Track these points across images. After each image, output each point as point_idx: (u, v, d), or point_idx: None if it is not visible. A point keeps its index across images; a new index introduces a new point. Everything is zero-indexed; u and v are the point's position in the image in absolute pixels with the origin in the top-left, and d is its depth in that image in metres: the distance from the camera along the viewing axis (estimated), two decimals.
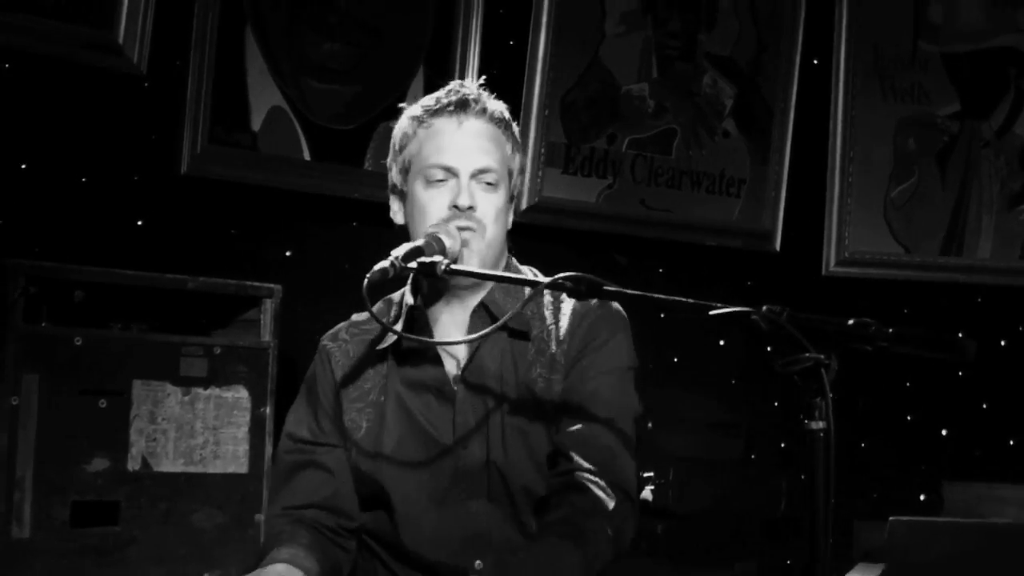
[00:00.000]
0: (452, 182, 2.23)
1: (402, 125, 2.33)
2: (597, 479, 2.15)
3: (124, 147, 3.64)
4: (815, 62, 4.74)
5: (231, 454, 3.25)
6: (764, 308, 1.69)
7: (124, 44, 3.55)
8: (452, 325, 2.30)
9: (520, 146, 2.38)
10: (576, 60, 4.37)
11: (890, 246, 4.69)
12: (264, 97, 3.85)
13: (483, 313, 2.27)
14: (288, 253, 3.92)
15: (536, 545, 2.11)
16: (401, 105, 2.39)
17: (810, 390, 1.67)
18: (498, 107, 2.31)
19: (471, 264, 2.19)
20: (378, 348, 2.32)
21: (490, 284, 2.28)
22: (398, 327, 2.29)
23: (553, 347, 2.26)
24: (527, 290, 2.28)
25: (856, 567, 3.01)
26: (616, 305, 2.32)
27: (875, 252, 4.68)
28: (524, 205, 4.26)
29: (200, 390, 3.22)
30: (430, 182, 2.25)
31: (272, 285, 3.37)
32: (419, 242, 2.11)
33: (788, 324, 1.67)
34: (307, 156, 3.94)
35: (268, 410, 3.29)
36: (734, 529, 4.48)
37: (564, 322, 2.28)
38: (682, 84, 4.55)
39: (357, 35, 4.01)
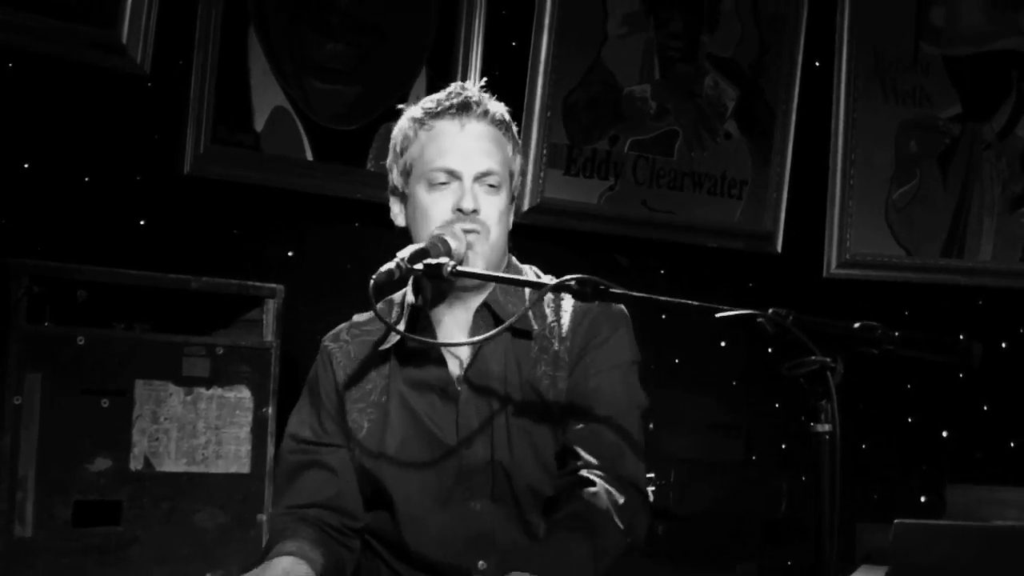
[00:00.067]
0: (455, 185, 2.23)
1: (402, 127, 2.32)
2: (606, 475, 2.15)
3: (127, 147, 3.65)
4: (817, 64, 4.74)
5: (233, 454, 3.25)
6: (770, 311, 1.70)
7: (127, 44, 3.56)
8: (455, 326, 2.30)
9: (520, 147, 2.38)
10: (578, 61, 4.37)
11: (891, 248, 4.69)
12: (267, 97, 3.85)
13: (486, 313, 2.28)
14: (290, 253, 3.93)
15: (546, 539, 2.12)
16: (401, 106, 2.38)
17: (816, 393, 1.67)
18: (499, 109, 2.31)
19: (475, 266, 2.19)
20: (381, 349, 2.32)
21: (492, 285, 2.29)
22: (401, 328, 2.29)
23: (556, 345, 2.26)
24: (527, 290, 2.29)
25: (859, 569, 3.01)
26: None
27: (876, 254, 4.69)
28: (526, 206, 4.26)
29: (202, 390, 3.22)
30: (433, 185, 2.24)
31: (274, 285, 3.37)
32: (425, 244, 2.12)
33: (794, 327, 1.67)
34: (309, 156, 3.94)
35: (270, 410, 3.29)
36: (735, 530, 4.48)
37: (566, 319, 2.29)
38: (684, 85, 4.56)
39: (359, 36, 4.02)
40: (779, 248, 4.70)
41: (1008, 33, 4.73)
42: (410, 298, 2.33)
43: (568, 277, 1.94)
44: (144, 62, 3.60)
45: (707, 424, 4.57)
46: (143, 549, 3.10)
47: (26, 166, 3.48)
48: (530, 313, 2.27)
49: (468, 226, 2.20)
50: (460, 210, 2.21)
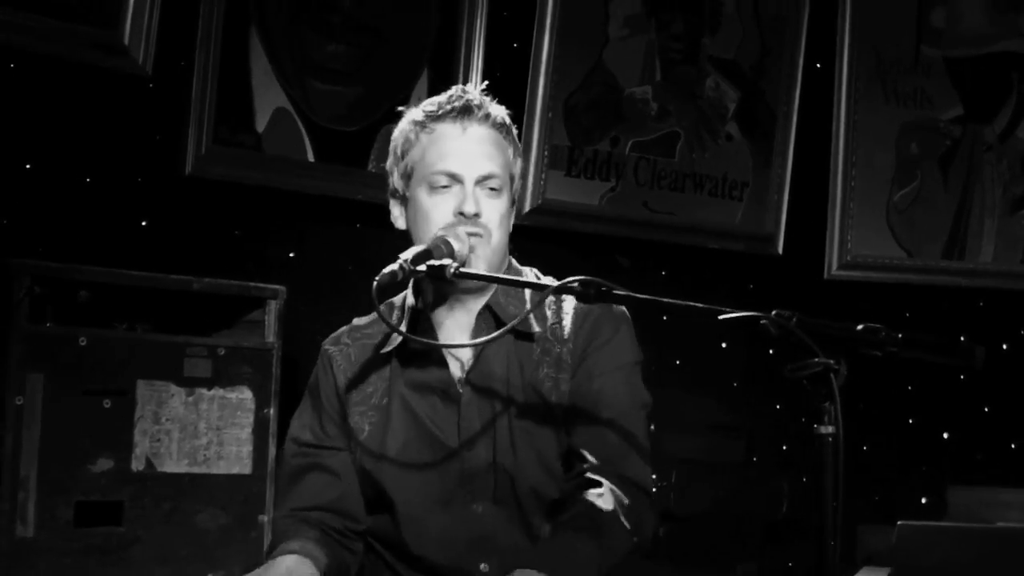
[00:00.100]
0: (456, 188, 2.23)
1: (403, 129, 2.31)
2: (611, 476, 2.15)
3: (129, 147, 3.65)
4: (818, 66, 4.75)
5: (235, 455, 3.25)
6: (774, 313, 1.70)
7: (129, 44, 3.56)
8: (456, 328, 2.30)
9: (521, 151, 2.38)
10: (579, 63, 4.37)
11: (892, 250, 4.70)
12: (268, 98, 3.86)
13: (488, 316, 2.28)
14: (291, 254, 3.93)
15: (552, 538, 2.11)
16: (400, 109, 2.37)
17: (819, 394, 1.67)
18: (500, 112, 2.31)
19: (477, 269, 2.18)
20: (381, 352, 2.32)
21: (493, 287, 2.28)
22: (402, 330, 2.29)
23: (558, 347, 2.26)
24: (526, 291, 2.28)
25: (861, 571, 3.01)
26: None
27: (877, 256, 4.69)
28: (527, 207, 4.27)
29: (204, 391, 3.22)
30: (434, 188, 2.24)
31: (276, 286, 3.37)
32: (427, 245, 2.11)
33: (797, 329, 1.67)
34: (311, 157, 3.94)
35: (272, 411, 3.29)
36: (735, 531, 4.48)
37: (567, 321, 2.28)
38: (685, 87, 4.56)
39: (361, 37, 4.02)
40: (780, 250, 4.70)
41: (1009, 35, 4.74)
42: (410, 300, 2.33)
43: (571, 279, 1.94)
44: (146, 63, 3.60)
45: (708, 425, 4.58)
46: (145, 549, 3.10)
47: (28, 166, 3.48)
48: (532, 315, 2.27)
49: (470, 229, 2.20)
50: (462, 214, 2.20)
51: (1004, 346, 4.67)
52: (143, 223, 3.67)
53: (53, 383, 3.01)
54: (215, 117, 3.73)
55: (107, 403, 3.08)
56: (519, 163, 2.35)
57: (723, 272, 4.66)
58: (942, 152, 4.72)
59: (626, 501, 2.13)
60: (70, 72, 3.52)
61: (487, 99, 2.30)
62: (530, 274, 2.35)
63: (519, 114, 4.22)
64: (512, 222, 2.34)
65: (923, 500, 4.58)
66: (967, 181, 4.71)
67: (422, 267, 2.04)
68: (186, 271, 3.29)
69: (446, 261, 2.06)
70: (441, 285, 2.24)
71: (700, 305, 1.82)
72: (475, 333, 2.26)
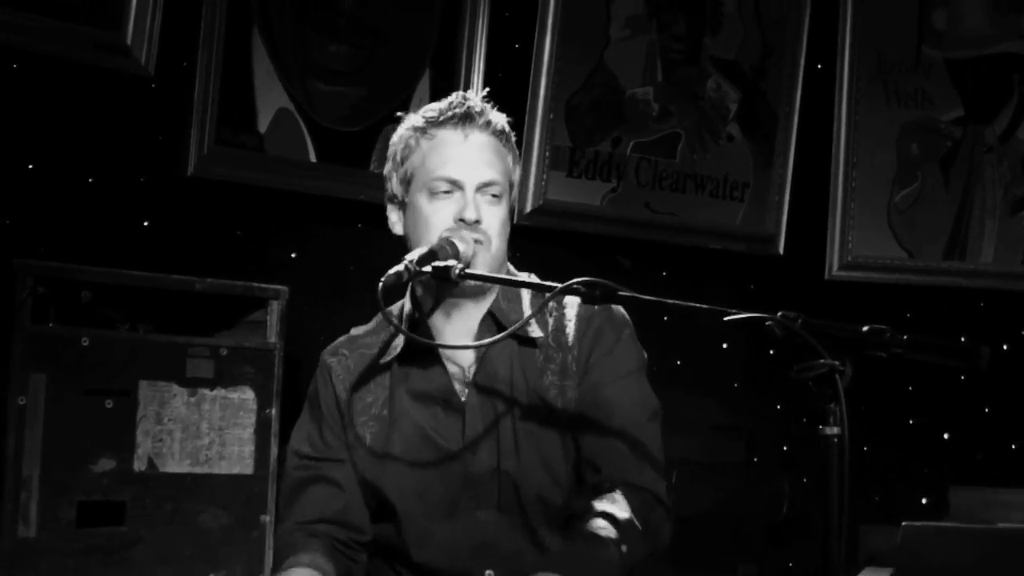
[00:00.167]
0: (457, 195, 2.22)
1: (403, 135, 2.30)
2: (626, 487, 2.15)
3: (131, 148, 3.65)
4: (819, 66, 4.75)
5: (237, 455, 3.25)
6: (779, 314, 1.70)
7: (132, 45, 3.56)
8: (455, 336, 2.28)
9: (519, 158, 2.37)
10: (581, 63, 4.38)
11: (893, 250, 4.70)
12: (271, 99, 3.86)
13: (490, 322, 2.26)
14: (293, 255, 3.93)
15: (571, 545, 2.10)
16: (399, 114, 2.36)
17: (824, 396, 1.67)
18: (501, 119, 2.29)
19: (473, 282, 2.19)
20: (381, 362, 2.30)
21: (492, 294, 2.28)
22: (400, 340, 2.28)
23: (563, 354, 2.25)
24: (524, 298, 2.28)
25: (863, 571, 3.01)
26: (616, 305, 2.30)
27: (878, 256, 4.69)
28: (528, 208, 4.27)
29: (206, 391, 3.23)
30: (434, 194, 2.22)
31: (278, 286, 3.37)
32: (433, 246, 2.10)
33: (803, 331, 1.67)
34: (313, 158, 3.94)
35: (274, 411, 3.30)
36: (736, 532, 4.49)
37: (571, 328, 2.27)
38: (687, 88, 4.56)
39: (363, 37, 4.02)
40: (781, 250, 4.71)
41: (1010, 36, 4.74)
42: (408, 308, 2.32)
43: (576, 280, 1.93)
44: (148, 63, 3.60)
45: (709, 426, 4.58)
46: (147, 550, 3.10)
47: (30, 167, 3.48)
48: (534, 321, 2.26)
49: (471, 235, 2.20)
50: (462, 220, 2.19)
51: (1005, 347, 4.67)
52: (145, 223, 3.67)
53: (55, 383, 3.01)
54: (217, 118, 3.73)
55: (109, 403, 3.09)
56: (518, 170, 2.34)
57: (724, 273, 4.66)
58: (943, 153, 4.73)
59: (641, 511, 2.12)
60: (73, 72, 3.52)
61: (488, 106, 2.29)
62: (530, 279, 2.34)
63: (520, 115, 4.23)
64: (509, 230, 2.33)
65: (923, 500, 4.58)
66: (968, 182, 4.71)
67: (427, 268, 2.04)
68: (188, 271, 3.29)
69: (451, 262, 2.05)
70: (440, 291, 2.24)
71: (705, 307, 1.82)
72: (478, 340, 2.25)
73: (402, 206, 2.30)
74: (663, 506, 2.19)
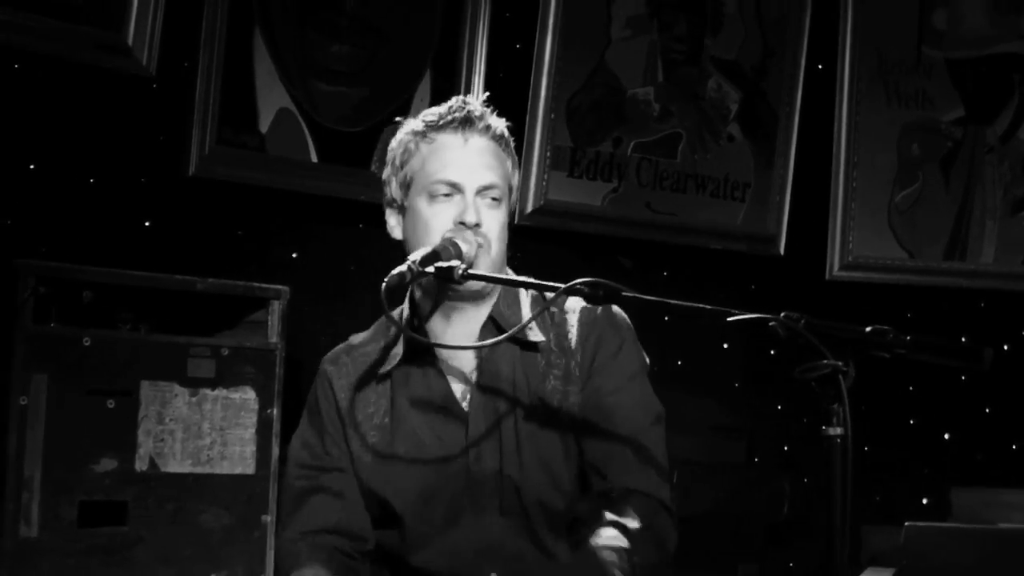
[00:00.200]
0: (457, 198, 2.21)
1: (402, 140, 2.29)
2: (632, 494, 2.15)
3: (132, 148, 3.65)
4: (820, 67, 4.75)
5: (238, 455, 3.25)
6: (782, 315, 1.70)
7: (133, 46, 3.57)
8: (454, 341, 2.27)
9: (517, 163, 2.37)
10: (582, 64, 4.38)
11: (894, 251, 4.71)
12: (272, 99, 3.86)
13: (491, 327, 2.25)
14: (295, 255, 3.93)
15: (581, 554, 2.10)
16: (398, 119, 2.36)
17: (827, 396, 1.67)
18: (500, 124, 2.29)
19: (475, 285, 2.18)
20: (381, 371, 2.29)
21: (492, 300, 2.27)
22: (399, 348, 2.27)
23: (565, 358, 2.25)
24: (524, 304, 2.28)
25: (865, 571, 3.01)
26: (616, 309, 2.31)
27: (879, 257, 4.70)
28: (529, 208, 4.27)
29: (208, 391, 3.23)
30: (434, 197, 2.22)
31: (279, 286, 3.37)
32: (435, 247, 2.10)
33: (806, 331, 1.67)
34: (314, 158, 3.95)
35: (275, 411, 3.30)
36: (737, 532, 4.49)
37: (573, 332, 2.27)
38: (687, 88, 4.57)
39: (364, 38, 4.02)
40: (782, 250, 4.71)
41: (1010, 37, 4.74)
42: (407, 314, 2.31)
43: (579, 280, 1.93)
44: (150, 64, 3.61)
45: (709, 426, 4.58)
46: (148, 549, 3.10)
47: (32, 167, 3.48)
48: (536, 325, 2.26)
49: (473, 237, 2.19)
50: (463, 223, 2.19)
51: (1005, 347, 4.68)
52: (147, 223, 3.68)
53: (57, 383, 3.02)
54: (219, 118, 3.73)
55: (111, 403, 3.09)
56: (517, 175, 2.34)
57: (725, 273, 4.66)
58: (943, 153, 4.73)
59: (649, 519, 2.13)
60: (74, 73, 3.53)
61: (487, 110, 2.29)
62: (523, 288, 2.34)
63: (521, 115, 4.23)
64: (507, 235, 2.32)
65: (924, 501, 4.59)
66: (968, 182, 4.72)
67: (430, 269, 2.04)
68: (189, 271, 3.30)
69: (454, 263, 2.05)
70: (439, 294, 2.23)
71: (708, 307, 1.82)
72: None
73: (401, 210, 2.29)
74: (668, 511, 2.19)
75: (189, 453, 3.18)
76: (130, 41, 3.56)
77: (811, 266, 4.69)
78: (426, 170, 2.24)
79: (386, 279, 2.00)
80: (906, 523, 2.23)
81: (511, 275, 2.31)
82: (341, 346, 2.38)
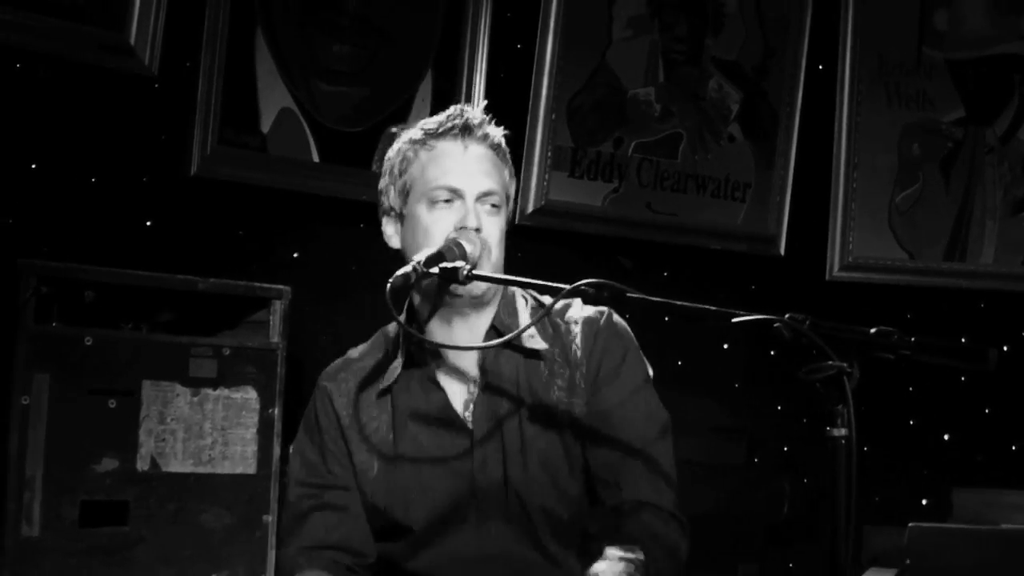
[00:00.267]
0: (457, 204, 2.22)
1: (400, 149, 2.30)
2: (644, 507, 2.16)
3: (134, 148, 3.66)
4: (820, 67, 4.75)
5: (239, 455, 3.26)
6: (787, 316, 1.71)
7: (135, 45, 3.57)
8: (456, 351, 2.27)
9: (514, 173, 2.37)
10: (583, 64, 4.38)
11: (894, 251, 4.71)
12: (273, 99, 3.86)
13: (493, 335, 2.26)
14: (296, 254, 3.93)
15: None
16: (394, 129, 2.36)
17: (832, 397, 1.68)
18: (498, 133, 2.30)
19: (478, 288, 2.18)
20: (381, 386, 2.29)
21: (493, 307, 2.27)
22: (398, 362, 2.27)
23: (570, 370, 2.25)
24: (522, 313, 2.28)
25: (868, 572, 3.01)
26: (617, 318, 2.32)
27: (879, 257, 4.70)
28: (530, 208, 4.28)
29: (209, 391, 3.23)
30: (435, 203, 2.22)
31: (281, 286, 3.37)
32: (440, 247, 2.10)
33: (811, 332, 1.68)
34: (316, 158, 3.95)
35: (277, 411, 3.30)
36: (737, 533, 4.49)
37: (577, 343, 2.27)
38: (688, 88, 4.57)
39: (366, 38, 4.03)
40: (782, 251, 4.71)
41: (1010, 37, 4.74)
42: (404, 320, 2.30)
43: (583, 281, 1.93)
44: (152, 63, 3.61)
45: (709, 427, 4.58)
46: (149, 549, 3.10)
47: (34, 166, 3.48)
48: (537, 333, 2.26)
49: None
50: (463, 228, 2.19)
51: (1005, 348, 4.68)
52: (148, 223, 3.68)
53: (59, 383, 3.02)
54: (220, 118, 3.73)
55: (112, 403, 3.09)
56: (513, 185, 2.35)
57: (725, 273, 4.66)
58: (944, 154, 4.73)
59: (662, 529, 2.14)
60: (76, 72, 3.53)
61: (486, 119, 2.29)
62: (520, 297, 2.33)
63: (522, 115, 4.24)
64: (505, 244, 2.32)
65: (923, 501, 4.59)
66: (968, 183, 4.72)
67: (434, 269, 2.04)
68: (190, 271, 3.30)
69: (459, 263, 2.05)
70: (438, 298, 2.23)
71: (713, 308, 1.82)
72: (483, 354, 2.25)
73: (400, 218, 2.30)
74: (678, 522, 2.20)
75: (190, 453, 3.18)
76: (132, 41, 3.56)
77: (811, 267, 4.69)
78: (426, 177, 2.24)
79: (391, 280, 2.01)
80: (910, 524, 2.24)
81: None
82: (339, 361, 2.38)
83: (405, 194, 2.27)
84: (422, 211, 2.23)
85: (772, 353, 4.55)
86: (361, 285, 3.84)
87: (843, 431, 1.67)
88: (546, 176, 4.31)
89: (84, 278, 3.15)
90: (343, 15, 3.97)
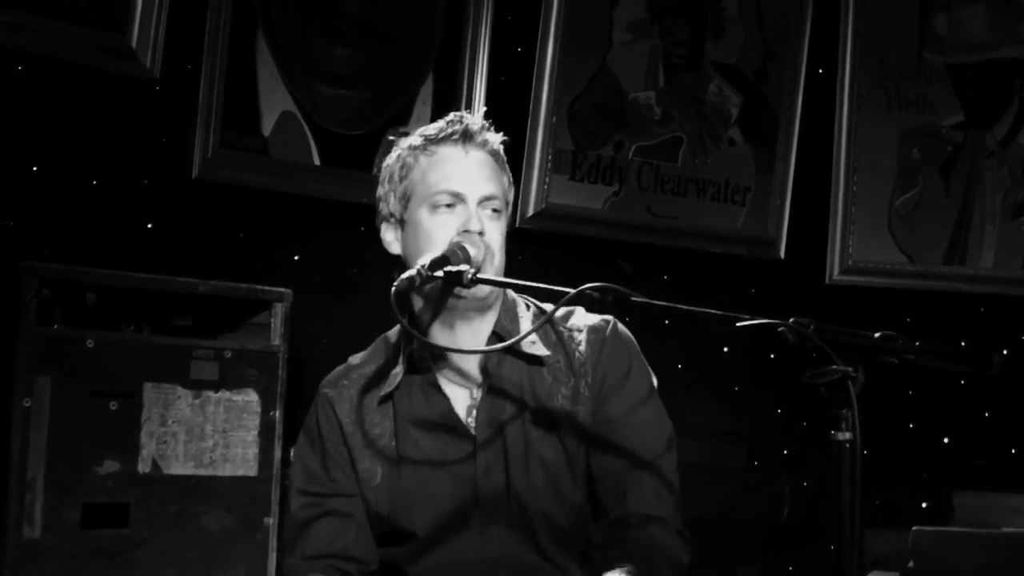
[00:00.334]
0: (459, 208, 2.21)
1: (400, 156, 2.29)
2: (651, 520, 2.16)
3: (136, 150, 3.66)
4: (820, 71, 4.76)
5: (240, 457, 3.26)
6: (791, 320, 1.71)
7: (137, 48, 3.57)
8: (459, 357, 2.27)
9: (512, 180, 2.37)
10: (583, 68, 4.39)
11: (894, 255, 4.71)
12: (275, 102, 3.87)
13: (495, 341, 2.25)
14: (297, 257, 3.94)
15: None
16: (391, 137, 2.38)
17: (836, 401, 1.68)
18: (497, 140, 2.30)
19: (482, 292, 2.18)
20: (383, 393, 2.29)
21: (495, 312, 2.27)
22: (399, 368, 2.27)
23: (574, 379, 2.25)
24: (523, 321, 2.28)
25: (870, 575, 3.02)
26: (622, 328, 2.32)
27: (879, 261, 4.70)
28: (531, 211, 4.28)
29: (210, 393, 3.23)
30: (436, 208, 2.22)
31: (282, 289, 3.38)
32: (444, 251, 2.10)
33: (816, 337, 1.68)
34: (316, 161, 3.95)
35: (278, 413, 3.30)
36: (736, 536, 4.49)
37: (582, 352, 2.27)
38: (688, 92, 4.57)
39: (367, 41, 4.03)
40: (782, 254, 4.72)
41: (1010, 41, 4.75)
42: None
43: (588, 285, 1.92)
44: (153, 66, 3.62)
45: (709, 430, 4.58)
46: (151, 551, 3.11)
47: (35, 169, 3.49)
48: (540, 341, 2.27)
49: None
50: (466, 231, 2.19)
51: (1005, 351, 4.68)
52: (149, 226, 3.68)
53: (60, 385, 3.02)
54: (222, 120, 3.74)
55: (114, 405, 3.10)
56: (512, 192, 2.35)
57: (725, 277, 4.67)
58: (943, 158, 4.74)
59: (666, 541, 2.15)
60: (78, 75, 3.53)
61: (485, 125, 2.29)
62: (521, 304, 2.33)
63: (523, 118, 4.24)
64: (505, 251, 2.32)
65: (923, 505, 4.59)
66: (968, 187, 4.73)
67: (439, 273, 2.04)
68: (192, 274, 3.30)
69: (463, 267, 2.05)
70: (440, 302, 2.22)
71: (718, 312, 1.82)
72: (485, 360, 2.25)
73: (400, 224, 2.29)
74: (682, 537, 2.21)
75: (192, 455, 3.19)
76: (134, 44, 3.57)
77: (811, 270, 4.70)
78: (427, 182, 2.24)
79: (395, 284, 2.01)
80: (914, 528, 2.24)
81: (510, 292, 2.32)
82: (340, 368, 2.37)
83: (406, 200, 2.27)
84: (424, 216, 2.23)
85: (772, 357, 4.55)
86: (362, 288, 3.84)
87: (848, 435, 1.67)
88: (547, 179, 4.31)
89: (86, 280, 3.15)
90: (344, 18, 3.97)
